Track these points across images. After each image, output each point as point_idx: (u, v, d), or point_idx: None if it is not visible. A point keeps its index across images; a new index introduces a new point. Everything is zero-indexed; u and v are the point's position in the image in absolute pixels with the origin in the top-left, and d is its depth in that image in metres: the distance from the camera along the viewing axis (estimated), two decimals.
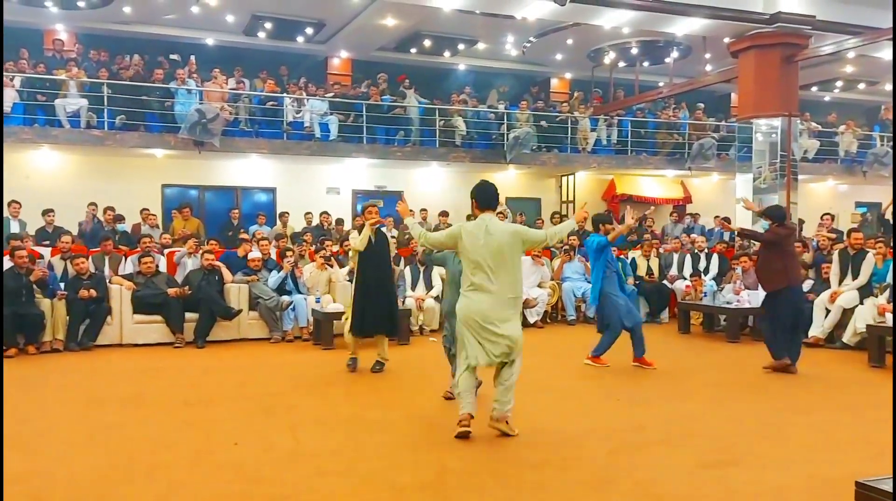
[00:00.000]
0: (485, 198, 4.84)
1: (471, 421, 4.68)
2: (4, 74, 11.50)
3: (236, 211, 12.93)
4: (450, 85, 16.72)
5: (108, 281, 8.74)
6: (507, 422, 4.75)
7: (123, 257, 9.46)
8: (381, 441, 4.72)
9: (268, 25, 14.76)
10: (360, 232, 7.03)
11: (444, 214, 13.33)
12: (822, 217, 12.68)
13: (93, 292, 8.28)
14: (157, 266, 9.14)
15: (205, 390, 6.29)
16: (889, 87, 19.28)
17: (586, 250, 7.58)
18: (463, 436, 4.63)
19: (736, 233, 9.39)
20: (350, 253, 7.30)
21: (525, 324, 8.24)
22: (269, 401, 5.79)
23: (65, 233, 9.42)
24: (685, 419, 5.33)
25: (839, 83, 19.02)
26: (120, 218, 11.34)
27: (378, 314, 6.84)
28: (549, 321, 10.65)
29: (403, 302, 9.13)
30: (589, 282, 9.36)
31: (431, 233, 5.08)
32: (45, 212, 10.68)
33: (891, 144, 17.95)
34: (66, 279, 8.49)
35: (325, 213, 12.89)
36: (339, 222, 12.93)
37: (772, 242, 7.09)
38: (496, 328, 4.61)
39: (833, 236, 10.32)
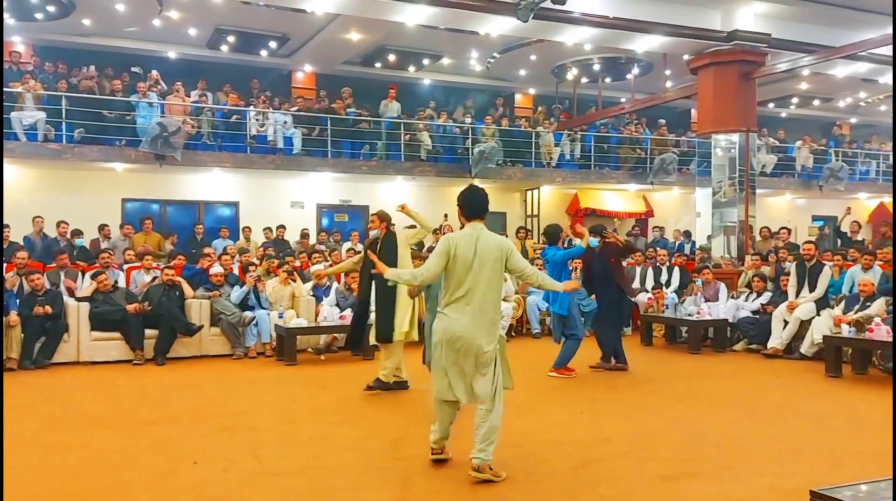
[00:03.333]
0: (473, 205, 4.32)
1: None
2: None
3: (200, 226, 12.76)
4: (415, 99, 16.77)
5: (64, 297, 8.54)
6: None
7: (80, 273, 9.26)
8: (344, 459, 4.67)
9: (231, 39, 14.66)
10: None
11: (412, 227, 13.27)
12: (779, 231, 12.98)
13: (48, 309, 8.07)
14: (116, 282, 8.97)
15: (165, 408, 6.16)
16: (842, 103, 19.89)
17: (546, 262, 7.71)
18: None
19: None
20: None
21: None
22: (231, 420, 5.69)
23: (20, 249, 9.19)
24: (648, 431, 5.38)
25: (795, 100, 19.55)
26: (77, 233, 11.11)
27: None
28: (513, 334, 10.67)
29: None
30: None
31: (426, 268, 4.26)
32: None
33: (844, 159, 18.50)
34: (21, 296, 8.27)
35: (282, 226, 12.81)
36: (304, 235, 12.85)
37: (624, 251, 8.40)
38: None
39: (785, 250, 10.52)
